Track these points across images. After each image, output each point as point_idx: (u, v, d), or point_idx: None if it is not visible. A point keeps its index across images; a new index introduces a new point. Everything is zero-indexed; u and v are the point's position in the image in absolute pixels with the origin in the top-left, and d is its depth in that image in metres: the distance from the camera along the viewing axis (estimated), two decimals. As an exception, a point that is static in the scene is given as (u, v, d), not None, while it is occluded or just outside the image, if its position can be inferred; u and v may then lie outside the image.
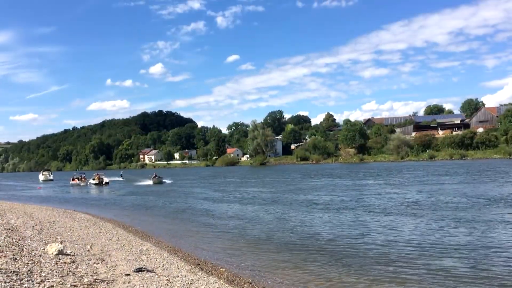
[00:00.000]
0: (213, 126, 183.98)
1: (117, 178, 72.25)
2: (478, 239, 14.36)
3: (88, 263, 10.90)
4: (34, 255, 10.97)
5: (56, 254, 11.24)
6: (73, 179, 67.43)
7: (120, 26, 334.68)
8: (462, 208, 21.42)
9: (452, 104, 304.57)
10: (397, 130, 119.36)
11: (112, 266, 10.92)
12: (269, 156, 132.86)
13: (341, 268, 11.81)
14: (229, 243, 15.83)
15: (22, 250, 11.62)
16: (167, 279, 9.91)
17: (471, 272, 10.85)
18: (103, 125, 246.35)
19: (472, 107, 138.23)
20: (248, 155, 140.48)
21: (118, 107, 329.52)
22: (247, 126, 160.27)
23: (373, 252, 13.32)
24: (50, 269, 9.50)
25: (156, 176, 58.00)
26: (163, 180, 57.84)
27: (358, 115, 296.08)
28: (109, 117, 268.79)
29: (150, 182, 56.81)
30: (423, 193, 29.32)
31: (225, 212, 24.28)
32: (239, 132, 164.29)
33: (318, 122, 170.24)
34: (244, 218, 21.76)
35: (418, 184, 36.38)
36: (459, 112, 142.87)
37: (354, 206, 24.16)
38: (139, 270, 10.47)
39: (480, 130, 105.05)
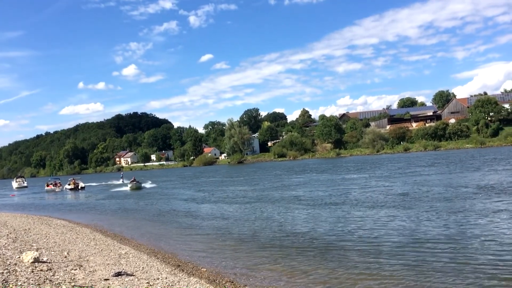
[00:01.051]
0: (189, 126, 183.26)
1: (117, 182, 64.75)
2: (466, 229, 14.40)
3: (66, 270, 10.69)
4: (9, 264, 10.70)
5: (32, 262, 10.98)
6: (47, 185, 66.09)
7: (90, 28, 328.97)
8: (449, 198, 21.60)
9: (424, 97, 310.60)
10: (372, 124, 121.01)
11: (90, 271, 10.74)
12: (247, 154, 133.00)
13: (325, 263, 11.84)
14: (211, 243, 15.73)
15: (-4, 259, 11.31)
16: (147, 282, 9.81)
17: (459, 264, 10.88)
18: (77, 129, 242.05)
19: (443, 98, 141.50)
20: (225, 154, 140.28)
21: (91, 110, 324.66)
22: (223, 125, 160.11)
23: (359, 247, 13.36)
24: (26, 278, 9.28)
25: (134, 180, 50.60)
26: (143, 185, 50.96)
27: (333, 110, 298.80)
28: (82, 121, 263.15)
29: (127, 188, 49.55)
30: (408, 184, 29.53)
31: (207, 212, 24.08)
32: (216, 131, 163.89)
33: (294, 119, 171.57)
34: (227, 217, 21.58)
35: (402, 176, 36.80)
36: (431, 104, 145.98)
37: (340, 200, 24.19)
38: (118, 274, 10.32)
39: (452, 121, 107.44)
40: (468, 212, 17.38)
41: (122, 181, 53.76)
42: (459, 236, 13.53)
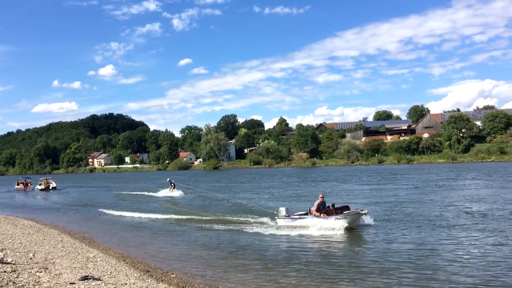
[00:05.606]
0: (166, 129, 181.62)
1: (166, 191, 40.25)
2: None
3: (30, 272, 10.42)
4: (-29, 265, 10.37)
5: (-5, 263, 10.68)
6: (18, 184, 64.45)
7: (70, 26, 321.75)
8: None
9: (400, 110, 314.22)
10: (348, 135, 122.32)
11: (56, 274, 10.49)
12: (222, 160, 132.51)
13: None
14: (185, 250, 15.49)
15: (-42, 259, 10.94)
16: (114, 287, 9.62)
17: None
18: (50, 128, 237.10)
19: (418, 113, 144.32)
20: (201, 159, 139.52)
21: (65, 109, 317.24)
22: (200, 130, 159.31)
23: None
24: (-12, 280, 9.00)
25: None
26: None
27: (310, 120, 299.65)
28: (56, 120, 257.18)
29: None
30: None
31: (193, 220, 22.50)
32: (192, 136, 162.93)
33: (272, 127, 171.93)
34: (206, 228, 20.43)
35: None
36: (406, 118, 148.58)
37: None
38: (85, 278, 10.11)
39: (426, 135, 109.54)
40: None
41: (172, 190, 39.01)
42: None
